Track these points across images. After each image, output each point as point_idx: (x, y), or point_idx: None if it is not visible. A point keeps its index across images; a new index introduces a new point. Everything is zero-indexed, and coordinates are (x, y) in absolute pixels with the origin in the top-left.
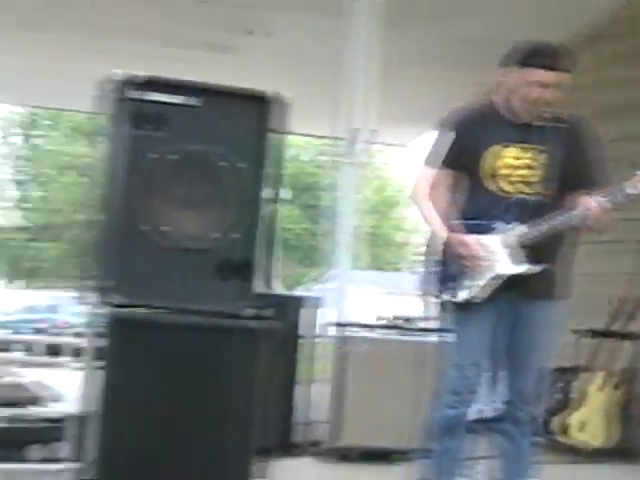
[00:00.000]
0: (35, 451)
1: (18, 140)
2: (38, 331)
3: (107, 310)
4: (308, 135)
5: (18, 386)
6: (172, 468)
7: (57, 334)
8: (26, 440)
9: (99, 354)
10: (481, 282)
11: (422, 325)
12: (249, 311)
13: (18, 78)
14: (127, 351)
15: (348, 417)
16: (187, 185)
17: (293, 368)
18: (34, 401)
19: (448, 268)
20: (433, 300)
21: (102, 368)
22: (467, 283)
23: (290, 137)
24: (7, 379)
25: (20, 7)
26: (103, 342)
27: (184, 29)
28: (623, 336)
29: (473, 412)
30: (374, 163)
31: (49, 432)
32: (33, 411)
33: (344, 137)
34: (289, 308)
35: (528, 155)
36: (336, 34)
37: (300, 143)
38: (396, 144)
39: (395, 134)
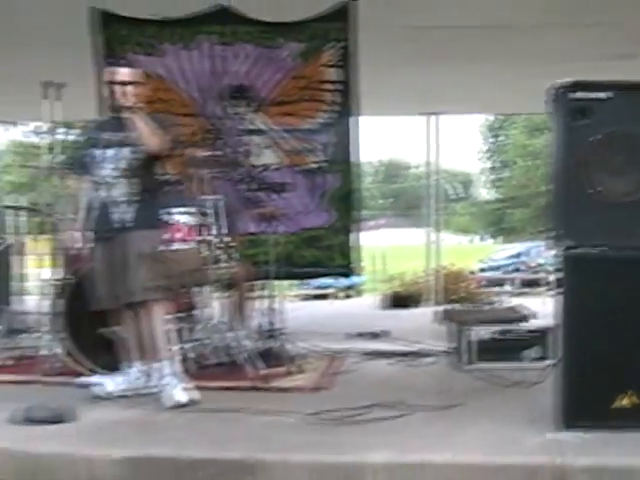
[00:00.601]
0: (526, 354)
1: (491, 139)
2: (517, 270)
3: (561, 251)
4: None
5: (511, 309)
6: (621, 364)
7: (530, 272)
8: (519, 346)
9: (559, 284)
10: None
11: None
12: None
13: (491, 93)
14: (579, 280)
15: None
16: (614, 156)
17: None
18: (522, 319)
19: None
20: None
21: (561, 294)
22: None
23: None
24: (503, 305)
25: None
26: (561, 275)
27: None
28: None
29: None
30: None
31: (534, 340)
32: (522, 326)
33: None
34: None
35: None
36: None
37: None
38: None
39: None
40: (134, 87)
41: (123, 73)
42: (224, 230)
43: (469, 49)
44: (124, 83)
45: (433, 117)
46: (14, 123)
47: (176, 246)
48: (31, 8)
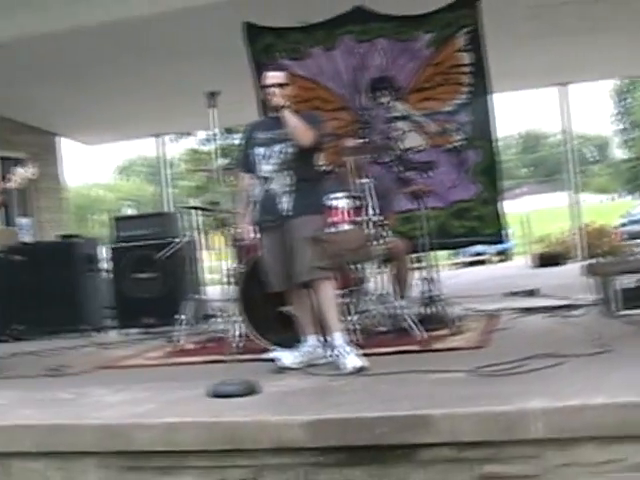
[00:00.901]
0: None
1: (620, 102)
2: None
3: None
4: None
5: None
6: None
7: None
8: None
9: None
10: None
11: None
12: None
13: (613, 59)
14: None
15: None
16: None
17: None
18: None
19: None
20: None
21: None
22: None
23: None
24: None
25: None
26: None
27: None
28: None
29: None
30: None
31: None
32: None
33: None
34: None
35: None
36: None
37: None
38: None
39: None
40: (282, 88)
41: (272, 76)
42: (377, 210)
43: (587, 21)
44: (274, 85)
45: (563, 87)
46: (187, 134)
47: (337, 228)
48: (192, 26)
